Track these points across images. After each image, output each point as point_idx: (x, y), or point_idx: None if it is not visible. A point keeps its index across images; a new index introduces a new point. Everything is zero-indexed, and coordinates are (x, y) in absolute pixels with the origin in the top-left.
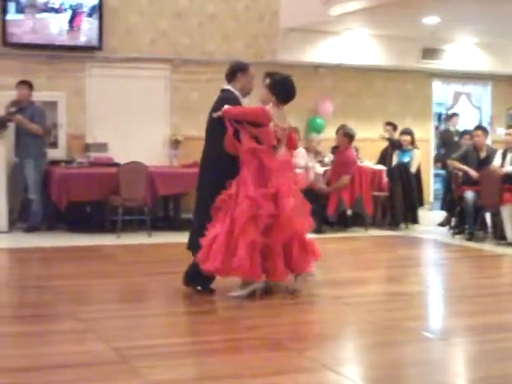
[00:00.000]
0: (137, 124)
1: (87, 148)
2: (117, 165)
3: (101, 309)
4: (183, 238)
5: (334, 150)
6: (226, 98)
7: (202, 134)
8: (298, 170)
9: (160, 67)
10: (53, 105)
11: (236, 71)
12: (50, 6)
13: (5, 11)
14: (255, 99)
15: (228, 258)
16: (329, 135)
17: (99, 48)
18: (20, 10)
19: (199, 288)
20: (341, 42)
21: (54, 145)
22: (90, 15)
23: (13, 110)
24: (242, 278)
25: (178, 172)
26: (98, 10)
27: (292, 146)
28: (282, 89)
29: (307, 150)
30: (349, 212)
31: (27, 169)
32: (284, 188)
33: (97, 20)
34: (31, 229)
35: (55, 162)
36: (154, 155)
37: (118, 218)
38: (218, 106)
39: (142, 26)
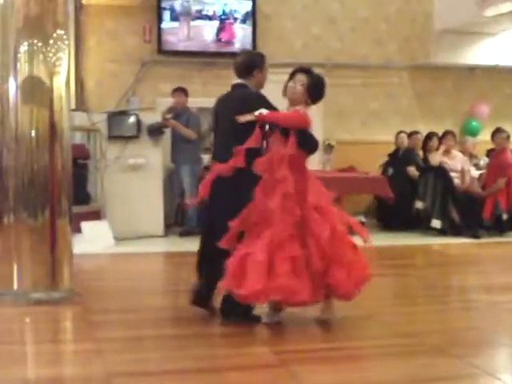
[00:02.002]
0: None
1: None
2: None
3: (257, 313)
4: None
5: (490, 152)
6: (251, 96)
7: (356, 138)
8: (454, 174)
9: None
10: (207, 111)
11: (253, 68)
12: (203, 13)
13: (160, 19)
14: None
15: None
16: (484, 138)
17: None
18: (175, 17)
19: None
20: (497, 43)
21: (209, 150)
22: (243, 21)
23: (169, 116)
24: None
25: (331, 177)
26: (252, 16)
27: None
28: (320, 90)
29: (461, 153)
30: (504, 216)
31: (183, 174)
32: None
33: (250, 26)
34: (186, 233)
35: (210, 168)
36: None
37: None
38: (242, 106)
39: (295, 31)
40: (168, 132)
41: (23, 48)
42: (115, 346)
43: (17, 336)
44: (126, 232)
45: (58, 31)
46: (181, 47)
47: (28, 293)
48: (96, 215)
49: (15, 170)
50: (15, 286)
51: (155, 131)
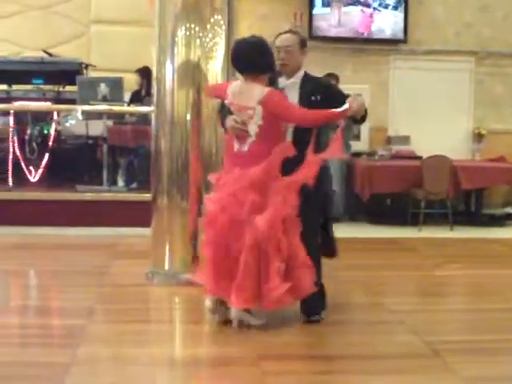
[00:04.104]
0: (439, 117)
1: (389, 140)
2: (419, 158)
3: (406, 301)
4: (485, 233)
5: None
6: None
7: (508, 127)
8: None
9: (464, 60)
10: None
11: None
12: None
13: (312, 5)
14: None
15: None
16: None
17: (404, 41)
18: (326, 3)
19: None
20: None
21: (357, 137)
22: (395, 8)
23: None
24: None
25: (482, 166)
26: (404, 3)
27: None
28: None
29: None
30: None
31: (331, 161)
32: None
33: (402, 13)
34: (333, 219)
35: (358, 154)
36: (456, 148)
37: (419, 211)
38: None
39: (447, 18)
40: None
41: (181, 32)
42: (263, 329)
43: (166, 315)
44: None
45: (216, 16)
46: (332, 33)
47: (178, 273)
48: None
49: (170, 153)
50: (166, 267)
51: None
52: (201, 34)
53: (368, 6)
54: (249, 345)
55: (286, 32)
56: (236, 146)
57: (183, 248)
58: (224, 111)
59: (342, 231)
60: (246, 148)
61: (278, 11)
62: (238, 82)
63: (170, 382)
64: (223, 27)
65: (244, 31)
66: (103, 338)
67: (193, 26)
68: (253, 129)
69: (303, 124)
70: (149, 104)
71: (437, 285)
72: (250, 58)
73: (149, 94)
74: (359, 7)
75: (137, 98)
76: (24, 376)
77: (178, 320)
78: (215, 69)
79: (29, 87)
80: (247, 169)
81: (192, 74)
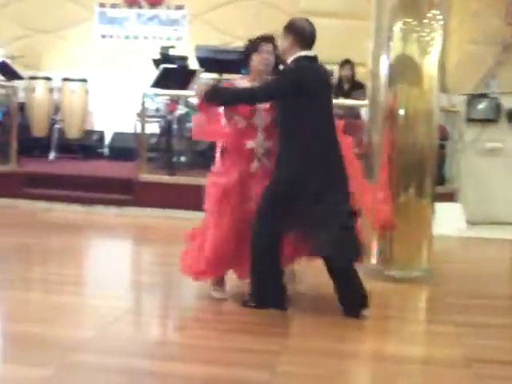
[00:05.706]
0: None
1: None
2: None
3: None
4: None
5: None
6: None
7: None
8: None
9: None
10: None
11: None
12: None
13: None
14: None
15: None
16: None
17: None
18: None
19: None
20: None
21: None
22: None
23: None
24: None
25: None
26: None
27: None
28: None
29: None
30: None
31: None
32: None
33: None
34: None
35: None
36: None
37: None
38: None
39: None
40: None
41: (397, 27)
42: (473, 331)
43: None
44: (480, 216)
45: (433, 11)
46: None
47: (385, 269)
48: (449, 197)
49: (379, 148)
50: (373, 261)
51: None
52: (418, 29)
53: None
54: (458, 346)
55: None
56: None
57: (392, 243)
58: None
59: None
60: None
61: (490, 7)
62: None
63: (375, 377)
64: (441, 22)
65: (455, 27)
66: (309, 330)
67: (410, 20)
68: None
69: None
70: (356, 97)
71: None
72: None
73: (354, 86)
74: None
75: (340, 91)
76: (234, 362)
77: (384, 316)
78: (431, 64)
79: (237, 77)
80: None
81: (407, 68)
